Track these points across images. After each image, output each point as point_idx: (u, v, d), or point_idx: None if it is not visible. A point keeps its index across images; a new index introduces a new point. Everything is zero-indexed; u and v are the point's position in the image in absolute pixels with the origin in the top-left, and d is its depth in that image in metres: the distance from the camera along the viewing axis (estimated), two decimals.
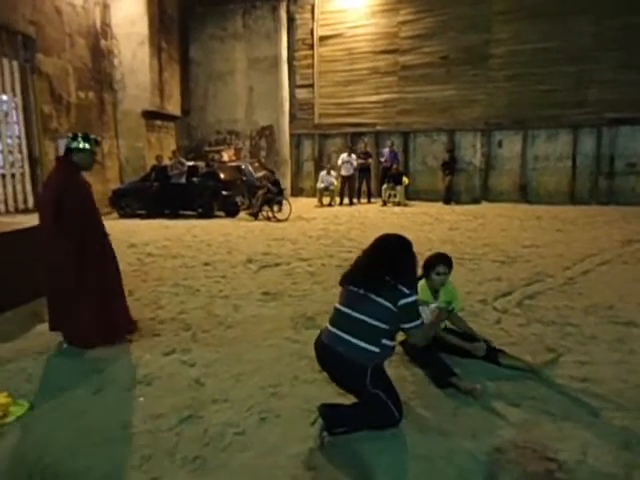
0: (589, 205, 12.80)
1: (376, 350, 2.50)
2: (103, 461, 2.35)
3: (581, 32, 12.65)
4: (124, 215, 11.90)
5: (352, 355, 2.48)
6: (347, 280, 2.70)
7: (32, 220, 4.29)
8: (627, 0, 12.16)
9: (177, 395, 2.95)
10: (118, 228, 9.52)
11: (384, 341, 2.53)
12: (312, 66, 15.46)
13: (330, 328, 2.64)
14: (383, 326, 2.50)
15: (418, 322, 2.58)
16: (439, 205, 13.39)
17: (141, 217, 11.56)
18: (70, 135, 3.58)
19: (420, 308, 2.96)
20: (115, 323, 3.75)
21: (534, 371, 3.11)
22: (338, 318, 2.63)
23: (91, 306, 3.58)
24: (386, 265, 2.55)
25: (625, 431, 2.54)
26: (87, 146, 3.51)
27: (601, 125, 12.79)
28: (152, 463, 2.33)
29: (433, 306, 3.18)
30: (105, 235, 3.74)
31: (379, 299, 2.49)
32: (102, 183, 13.38)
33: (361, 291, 2.55)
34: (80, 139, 3.51)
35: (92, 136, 3.63)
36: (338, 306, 2.68)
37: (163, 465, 2.32)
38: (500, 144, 14.00)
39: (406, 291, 2.50)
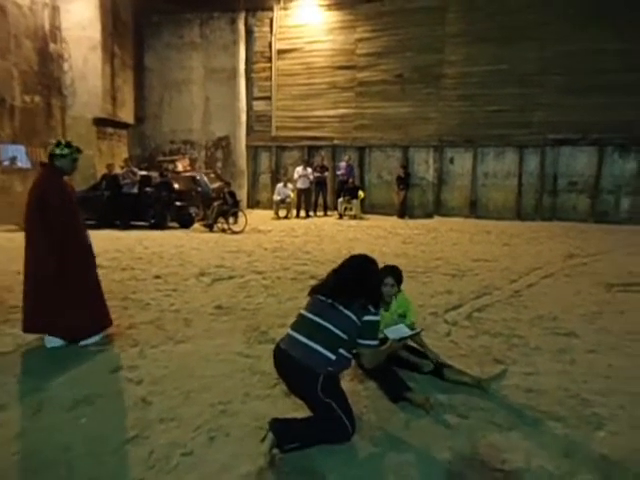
0: (534, 221, 13.42)
1: (332, 357, 2.51)
2: None
3: (527, 57, 13.35)
4: None
5: (306, 359, 2.50)
6: (316, 291, 2.77)
7: None
8: (568, 28, 12.95)
9: (121, 415, 2.83)
10: None
11: (341, 350, 2.56)
12: (270, 79, 15.51)
13: (290, 332, 2.67)
14: (343, 336, 2.54)
15: (374, 342, 2.65)
16: (393, 219, 13.65)
17: (90, 227, 11.08)
18: (54, 142, 3.95)
19: (395, 327, 2.99)
20: (94, 318, 3.96)
21: (480, 386, 3.16)
22: (301, 323, 2.68)
23: (76, 299, 3.79)
24: (358, 287, 2.64)
25: (566, 439, 2.65)
26: (67, 152, 3.82)
27: (545, 145, 13.49)
28: None
29: (401, 327, 3.17)
30: (85, 235, 3.98)
31: (346, 311, 2.57)
32: None
33: (329, 301, 2.62)
34: (62, 146, 3.84)
35: (74, 144, 3.95)
36: (303, 312, 2.73)
37: None
38: (452, 161, 14.48)
39: (372, 310, 2.62)
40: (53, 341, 3.80)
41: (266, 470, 2.33)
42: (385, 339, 2.93)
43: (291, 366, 2.56)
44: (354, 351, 2.69)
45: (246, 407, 2.93)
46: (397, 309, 3.43)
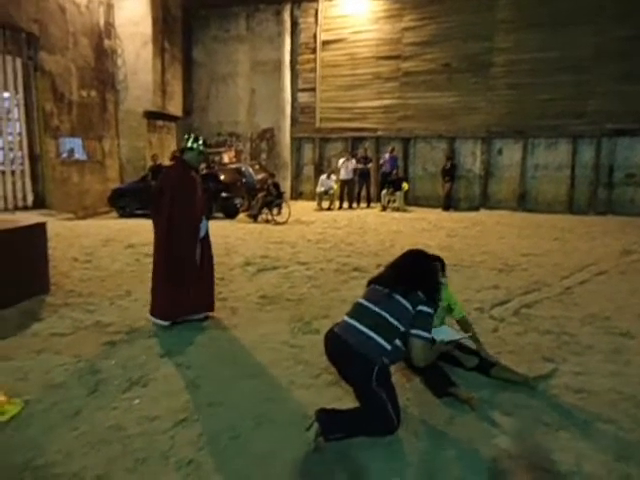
0: (587, 215, 12.83)
1: (388, 347, 2.51)
2: (96, 463, 2.34)
3: (581, 42, 12.71)
4: (123, 215, 11.89)
5: (363, 348, 2.49)
6: (374, 281, 2.81)
7: (31, 218, 4.31)
8: (626, 12, 12.23)
9: (172, 397, 2.95)
10: (117, 228, 9.51)
11: (397, 341, 2.55)
12: (314, 70, 15.51)
13: (347, 319, 2.68)
14: (399, 326, 2.54)
15: (426, 334, 2.58)
16: (438, 211, 13.41)
17: (140, 217, 11.53)
18: (185, 136, 4.19)
19: (438, 329, 2.96)
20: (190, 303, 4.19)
21: (527, 384, 3.08)
22: (358, 310, 2.69)
23: (176, 283, 4.07)
24: (415, 283, 2.66)
25: (619, 443, 2.55)
26: (194, 146, 4.06)
27: (601, 136, 12.83)
28: (146, 466, 2.33)
29: (445, 328, 3.13)
30: (196, 228, 4.17)
31: (403, 300, 2.58)
32: (102, 182, 13.38)
33: (386, 290, 2.65)
34: (190, 140, 4.08)
35: (201, 138, 4.18)
36: (360, 300, 2.76)
37: (157, 468, 2.31)
38: (500, 152, 14.03)
39: (428, 303, 2.63)
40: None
41: (311, 457, 2.37)
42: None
43: (345, 352, 2.55)
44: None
45: (291, 395, 2.99)
46: (444, 302, 3.38)
